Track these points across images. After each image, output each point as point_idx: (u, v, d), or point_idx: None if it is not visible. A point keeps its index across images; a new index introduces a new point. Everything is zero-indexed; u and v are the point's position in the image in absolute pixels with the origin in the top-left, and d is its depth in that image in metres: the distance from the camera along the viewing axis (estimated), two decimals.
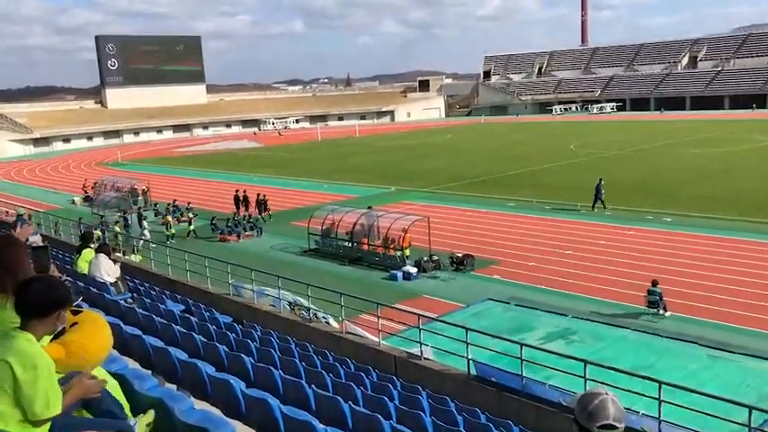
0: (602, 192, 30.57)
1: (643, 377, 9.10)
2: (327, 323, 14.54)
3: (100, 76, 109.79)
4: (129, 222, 32.40)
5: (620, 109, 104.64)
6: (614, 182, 37.98)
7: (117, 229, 29.08)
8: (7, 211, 31.40)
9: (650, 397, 8.59)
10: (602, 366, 9.62)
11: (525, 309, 18.29)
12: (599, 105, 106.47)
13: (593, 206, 30.54)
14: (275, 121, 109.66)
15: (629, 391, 8.47)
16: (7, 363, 2.81)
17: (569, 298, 18.99)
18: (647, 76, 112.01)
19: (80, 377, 3.16)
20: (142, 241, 26.31)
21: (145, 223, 31.20)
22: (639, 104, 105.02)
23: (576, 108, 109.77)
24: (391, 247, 24.17)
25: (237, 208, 33.83)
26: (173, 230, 29.85)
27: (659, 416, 8.32)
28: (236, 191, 35.07)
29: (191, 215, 31.60)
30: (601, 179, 30.98)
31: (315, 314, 14.57)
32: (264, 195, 34.14)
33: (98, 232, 24.50)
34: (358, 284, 20.58)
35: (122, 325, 7.21)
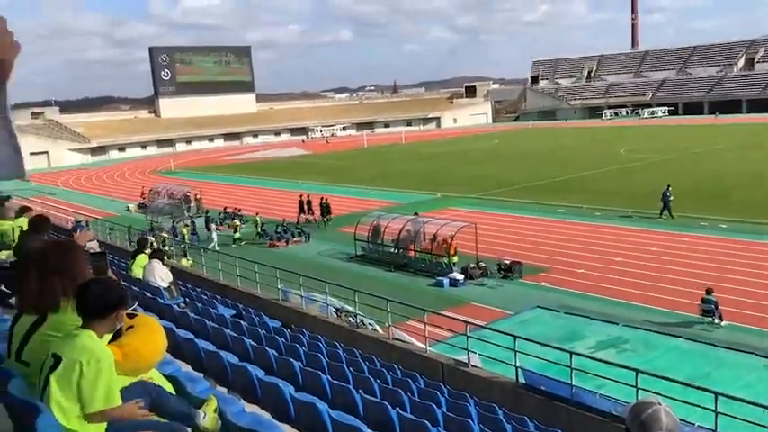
0: (671, 199, 29.46)
1: (698, 388, 8.85)
2: (374, 329, 14.58)
3: (153, 86, 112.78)
4: (195, 229, 32.89)
5: (672, 113, 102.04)
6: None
7: (165, 235, 29.76)
8: (67, 219, 32.52)
9: (706, 408, 8.34)
10: (655, 376, 9.39)
11: (575, 317, 17.99)
12: (650, 110, 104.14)
13: (661, 214, 29.54)
14: (322, 129, 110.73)
15: (684, 401, 8.24)
16: (73, 359, 2.95)
17: (620, 306, 18.59)
18: (701, 79, 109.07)
19: (133, 405, 3.23)
20: (210, 245, 27.50)
21: (213, 226, 31.72)
22: (692, 108, 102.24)
23: (627, 113, 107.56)
24: (437, 251, 23.96)
25: (302, 212, 34.67)
26: (239, 234, 30.68)
27: (715, 428, 8.08)
28: (301, 195, 35.83)
29: (237, 222, 32.08)
30: (668, 186, 29.87)
31: (362, 320, 14.64)
32: (327, 199, 34.67)
33: (151, 238, 25.23)
34: (404, 291, 20.57)
35: (175, 329, 7.39)
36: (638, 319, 17.39)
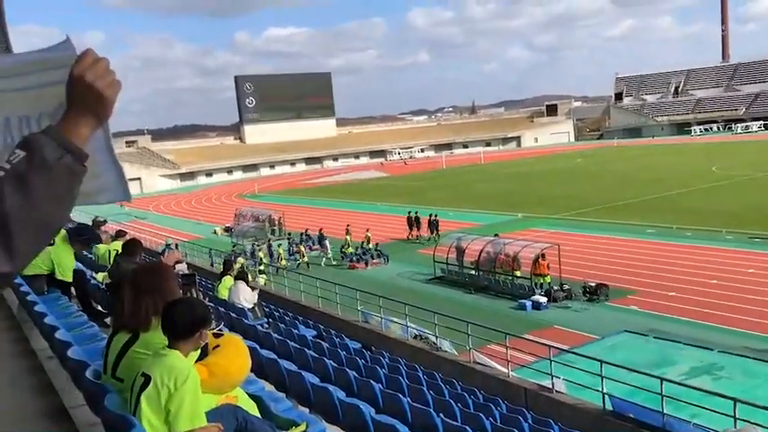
0: None
1: None
2: (451, 352, 14.42)
3: (239, 113, 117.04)
4: (273, 250, 33.74)
5: (767, 128, 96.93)
6: (763, 205, 35.16)
7: (242, 260, 30.49)
8: (158, 242, 34.02)
9: None
10: (756, 406, 8.82)
11: (665, 341, 17.18)
12: (744, 124, 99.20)
13: None
14: (401, 151, 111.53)
15: None
16: (162, 380, 3.06)
17: (715, 330, 17.63)
18: None
19: (215, 429, 3.29)
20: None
21: (327, 242, 32.50)
22: None
23: (718, 128, 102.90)
24: (534, 271, 23.42)
25: (411, 229, 35.61)
26: (305, 259, 31.04)
27: None
28: (409, 212, 36.63)
29: (303, 247, 32.33)
30: None
31: (439, 347, 14.52)
32: (436, 216, 35.41)
33: (241, 260, 26.25)
34: (485, 313, 20.28)
35: (259, 349, 7.55)
36: (735, 344, 16.42)
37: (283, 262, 30.14)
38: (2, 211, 1.25)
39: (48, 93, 1.54)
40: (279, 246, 32.66)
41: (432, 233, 34.26)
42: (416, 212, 36.14)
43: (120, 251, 8.30)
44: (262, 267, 28.52)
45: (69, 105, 1.40)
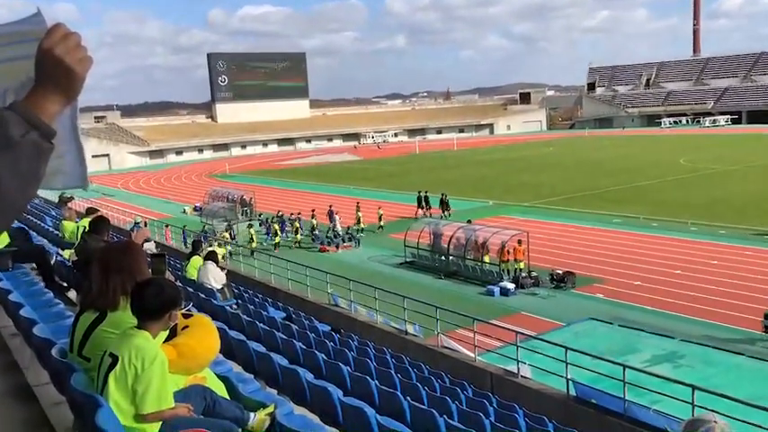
0: None
1: (760, 407, 8.50)
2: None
3: (211, 91, 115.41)
4: (235, 233, 33.57)
5: (735, 122, 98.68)
6: (728, 198, 35.96)
7: (226, 236, 30.28)
8: (126, 220, 33.54)
9: (767, 429, 8.02)
10: (714, 393, 9.08)
11: (629, 330, 17.55)
12: (712, 118, 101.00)
13: None
14: (374, 135, 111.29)
15: (745, 421, 7.94)
16: (130, 361, 3.04)
17: (677, 320, 18.05)
18: (767, 86, 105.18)
19: (184, 409, 3.29)
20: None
21: (337, 218, 32.57)
22: (757, 117, 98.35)
23: (687, 121, 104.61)
24: (504, 258, 23.66)
25: (420, 207, 36.32)
26: (278, 239, 31.01)
27: None
28: (419, 192, 37.27)
29: (297, 225, 32.38)
30: None
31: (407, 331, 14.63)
32: (446, 195, 36.05)
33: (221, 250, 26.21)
34: (453, 299, 20.46)
35: (228, 330, 7.53)
36: (697, 334, 16.85)
37: (254, 244, 29.94)
38: None
39: (15, 67, 1.48)
40: (250, 227, 32.35)
41: (443, 212, 35.02)
42: (426, 192, 36.96)
43: (87, 228, 8.18)
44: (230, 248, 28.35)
45: (37, 80, 1.35)
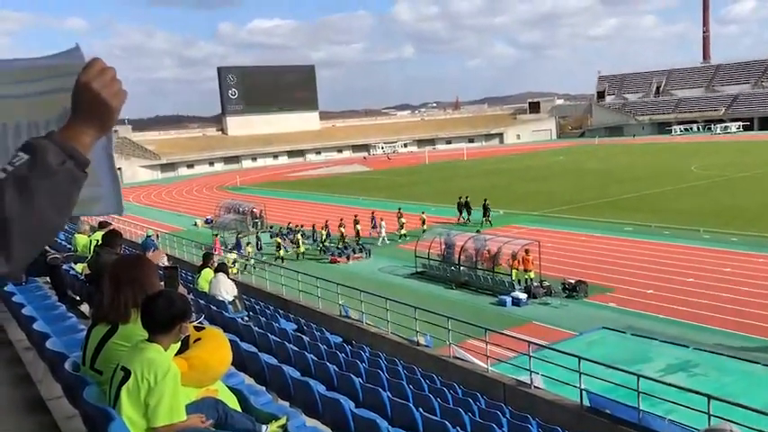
0: None
1: None
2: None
3: (221, 104, 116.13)
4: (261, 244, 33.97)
5: (746, 128, 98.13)
6: (740, 205, 35.69)
7: (233, 256, 30.43)
8: (138, 234, 33.70)
9: None
10: (729, 402, 8.98)
11: (643, 338, 17.40)
12: (723, 125, 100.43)
13: None
14: (384, 146, 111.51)
15: (761, 431, 7.84)
16: (142, 374, 3.05)
17: (691, 328, 17.89)
18: None
19: (196, 420, 3.30)
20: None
21: (383, 223, 33.89)
22: None
23: (698, 128, 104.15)
24: (512, 265, 23.56)
25: (460, 213, 37.37)
26: (302, 249, 31.32)
27: None
28: (460, 197, 38.06)
29: (299, 237, 32.49)
30: None
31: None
32: (487, 200, 36.63)
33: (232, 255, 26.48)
34: (465, 309, 20.39)
35: (239, 342, 7.54)
36: (711, 342, 16.68)
37: (281, 251, 30.40)
38: (2, 213, 1.25)
39: (55, 99, 1.55)
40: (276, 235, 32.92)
41: (484, 217, 35.73)
42: (467, 198, 37.58)
43: (100, 241, 8.23)
44: (241, 260, 28.49)
45: (74, 112, 1.41)
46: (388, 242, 33.14)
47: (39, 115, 1.57)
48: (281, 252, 30.79)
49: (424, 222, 34.12)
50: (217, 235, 36.40)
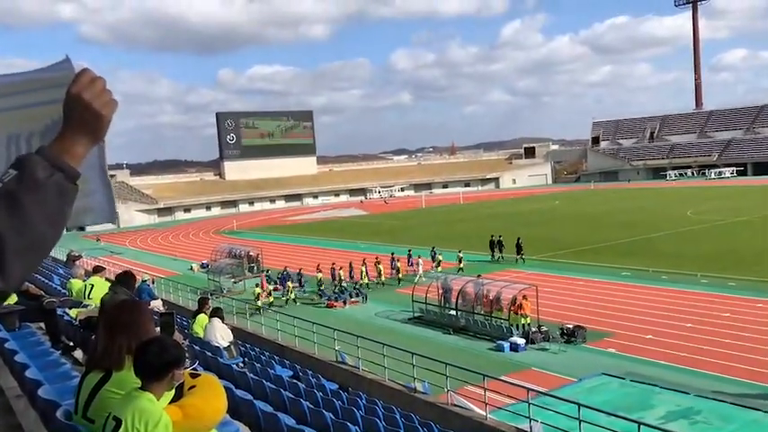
0: None
1: None
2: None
3: (219, 149, 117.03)
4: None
5: (740, 174, 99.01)
6: (737, 250, 35.75)
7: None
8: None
9: None
10: None
11: (643, 385, 17.20)
12: (717, 170, 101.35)
13: None
14: (381, 190, 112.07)
15: None
16: (132, 422, 2.99)
17: (692, 375, 17.71)
18: None
19: None
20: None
21: (421, 261, 35.24)
22: (763, 169, 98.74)
23: (692, 173, 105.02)
24: (513, 309, 23.36)
25: (492, 251, 38.53)
26: (271, 299, 30.36)
27: None
28: (492, 236, 39.18)
29: (290, 284, 32.15)
30: None
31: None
32: (520, 239, 37.57)
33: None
34: (463, 354, 20.19)
35: (234, 389, 7.42)
36: (711, 388, 16.49)
37: (271, 298, 30.04)
38: None
39: (41, 111, 1.55)
40: (256, 285, 32.24)
41: (518, 254, 36.88)
42: (500, 237, 38.51)
43: (96, 286, 8.18)
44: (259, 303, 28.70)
45: (66, 124, 1.42)
46: (424, 279, 32.22)
47: (21, 128, 1.56)
48: (271, 298, 30.44)
49: (460, 261, 34.81)
50: (264, 272, 37.08)
